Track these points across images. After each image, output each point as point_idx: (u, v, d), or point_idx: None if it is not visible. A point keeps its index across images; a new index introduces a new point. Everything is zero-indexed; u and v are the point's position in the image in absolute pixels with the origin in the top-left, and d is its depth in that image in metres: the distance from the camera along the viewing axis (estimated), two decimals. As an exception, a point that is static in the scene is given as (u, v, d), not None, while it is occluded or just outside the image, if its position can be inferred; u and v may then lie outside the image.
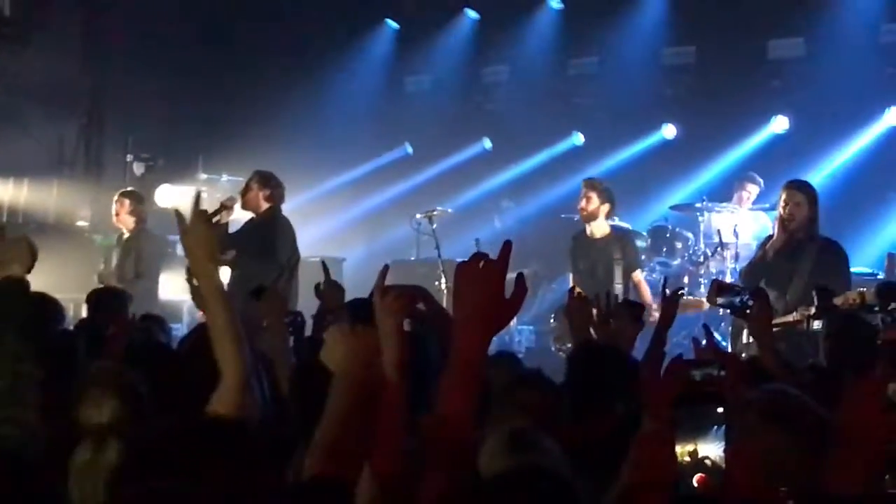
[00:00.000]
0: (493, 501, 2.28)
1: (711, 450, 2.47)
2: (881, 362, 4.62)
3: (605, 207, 9.84)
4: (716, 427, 2.49)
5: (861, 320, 6.03)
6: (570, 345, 6.46)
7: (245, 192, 9.74)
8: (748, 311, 4.98)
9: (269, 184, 9.70)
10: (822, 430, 2.74)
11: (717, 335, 5.36)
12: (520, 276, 2.40)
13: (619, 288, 9.48)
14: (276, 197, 9.72)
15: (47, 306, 6.09)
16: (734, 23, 13.32)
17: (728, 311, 5.59)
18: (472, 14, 15.57)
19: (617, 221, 10.68)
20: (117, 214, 10.73)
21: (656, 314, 8.87)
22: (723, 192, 12.30)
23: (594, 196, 9.81)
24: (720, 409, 2.56)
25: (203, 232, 3.53)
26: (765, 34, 13.36)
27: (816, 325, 6.91)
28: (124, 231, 10.78)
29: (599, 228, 9.91)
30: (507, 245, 2.42)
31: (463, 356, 2.32)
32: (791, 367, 4.77)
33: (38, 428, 4.03)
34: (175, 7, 14.80)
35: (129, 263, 10.48)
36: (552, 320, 10.80)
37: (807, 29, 12.99)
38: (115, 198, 10.85)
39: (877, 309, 6.43)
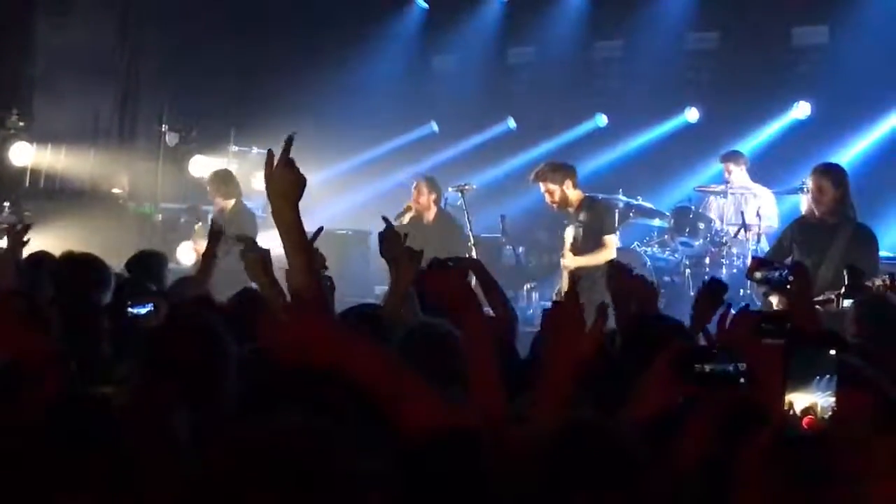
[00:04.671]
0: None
1: (821, 399, 2.51)
2: None
3: (569, 185, 9.94)
4: (828, 376, 2.51)
5: (891, 302, 5.94)
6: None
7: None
8: (788, 287, 4.90)
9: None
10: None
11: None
12: (601, 308, 3.05)
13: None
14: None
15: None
16: (759, 9, 13.43)
17: (764, 286, 5.47)
18: (501, -5, 15.75)
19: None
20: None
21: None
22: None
23: (552, 188, 9.90)
24: (833, 352, 2.58)
25: (287, 176, 3.58)
26: (789, 21, 13.46)
27: (846, 303, 6.83)
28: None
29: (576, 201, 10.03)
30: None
31: (555, 378, 2.95)
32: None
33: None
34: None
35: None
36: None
37: (831, 17, 13.08)
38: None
39: None
